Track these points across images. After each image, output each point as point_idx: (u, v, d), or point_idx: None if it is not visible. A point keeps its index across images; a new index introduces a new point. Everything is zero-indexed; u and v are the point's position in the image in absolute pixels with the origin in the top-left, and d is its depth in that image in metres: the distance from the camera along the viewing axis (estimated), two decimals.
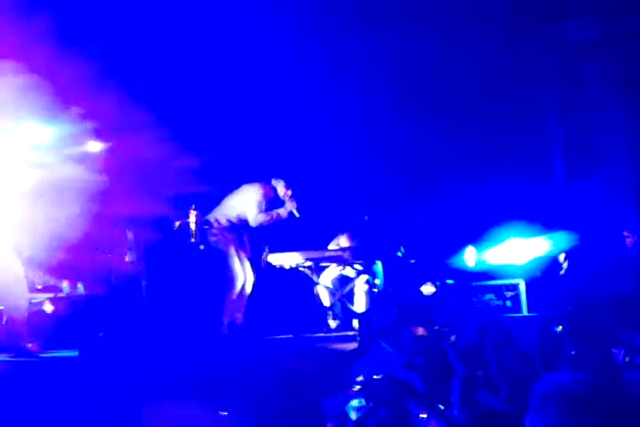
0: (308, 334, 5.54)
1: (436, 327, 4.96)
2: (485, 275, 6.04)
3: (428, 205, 7.09)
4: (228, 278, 5.41)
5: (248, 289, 5.53)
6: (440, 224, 6.96)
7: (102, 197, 6.97)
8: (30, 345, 4.97)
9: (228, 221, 5.44)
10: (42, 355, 4.80)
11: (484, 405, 2.85)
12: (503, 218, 6.16)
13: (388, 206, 6.91)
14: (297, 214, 5.47)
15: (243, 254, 5.53)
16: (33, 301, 6.02)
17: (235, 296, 5.41)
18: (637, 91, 6.16)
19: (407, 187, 7.29)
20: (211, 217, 5.47)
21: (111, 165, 6.98)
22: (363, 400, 2.76)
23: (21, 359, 4.37)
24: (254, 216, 5.40)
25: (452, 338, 3.29)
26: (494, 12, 6.09)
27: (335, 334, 5.62)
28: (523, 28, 6.19)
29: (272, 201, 5.53)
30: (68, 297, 6.48)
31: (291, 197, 5.49)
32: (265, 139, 6.52)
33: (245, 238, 5.61)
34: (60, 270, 6.56)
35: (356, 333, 4.80)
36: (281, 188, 5.54)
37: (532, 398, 1.48)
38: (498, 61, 6.51)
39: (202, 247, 5.44)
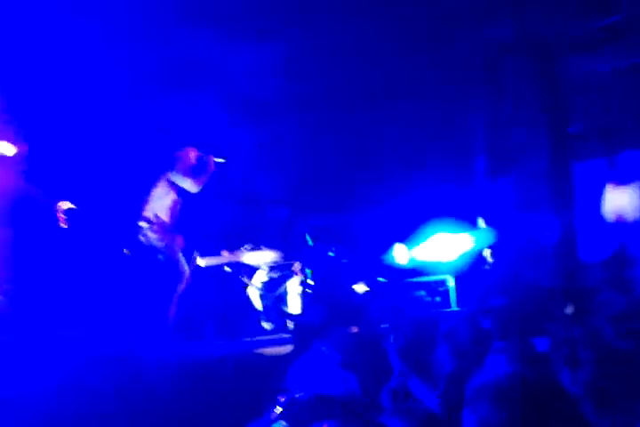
0: (243, 338, 5.48)
1: (372, 326, 5.03)
2: (416, 272, 6.17)
3: (358, 204, 7.17)
4: (179, 274, 5.18)
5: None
6: (371, 223, 7.06)
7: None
8: None
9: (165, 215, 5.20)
10: None
11: (419, 408, 2.89)
12: (430, 216, 6.30)
13: (317, 206, 6.94)
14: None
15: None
16: None
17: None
18: (556, 90, 6.43)
19: (336, 186, 7.34)
20: (148, 213, 5.17)
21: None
22: (284, 423, 2.71)
23: None
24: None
25: (392, 338, 3.32)
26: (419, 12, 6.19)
27: (269, 336, 5.59)
28: (448, 28, 6.32)
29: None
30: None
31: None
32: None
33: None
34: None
35: (290, 334, 4.78)
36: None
37: (466, 392, 1.51)
38: (424, 60, 6.63)
39: (127, 252, 5.22)
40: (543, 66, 6.37)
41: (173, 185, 5.14)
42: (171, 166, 5.17)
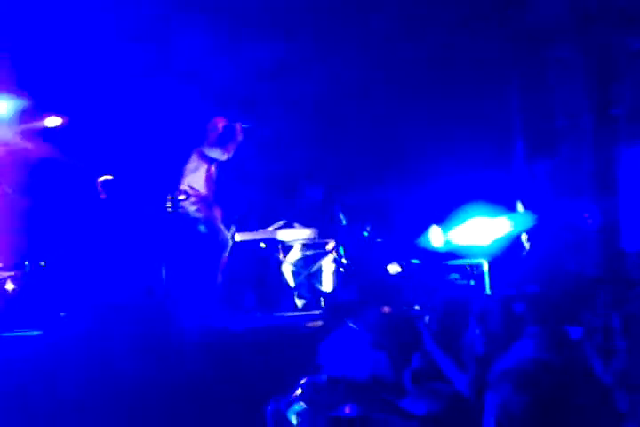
0: (276, 313, 5.57)
1: (404, 307, 5.04)
2: (450, 254, 6.13)
3: (394, 185, 7.14)
4: (222, 242, 5.32)
5: None
6: (407, 204, 7.02)
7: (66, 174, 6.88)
8: None
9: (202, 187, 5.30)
10: (2, 334, 4.73)
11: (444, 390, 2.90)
12: (467, 198, 6.23)
13: (353, 186, 6.93)
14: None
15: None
16: None
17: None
18: (600, 71, 6.24)
19: (373, 166, 7.31)
20: (184, 186, 5.24)
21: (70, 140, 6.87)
22: (303, 404, 2.73)
23: None
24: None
25: (426, 319, 3.31)
26: None
27: (302, 313, 5.66)
28: (485, 11, 6.20)
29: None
30: (29, 275, 6.39)
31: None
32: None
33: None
34: (20, 248, 6.46)
35: (322, 311, 4.83)
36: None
37: (491, 376, 1.52)
38: (459, 43, 6.52)
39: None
40: (586, 46, 6.19)
41: (205, 157, 5.25)
42: (201, 140, 5.26)
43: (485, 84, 6.76)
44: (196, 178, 5.25)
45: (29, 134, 6.73)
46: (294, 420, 2.71)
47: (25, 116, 6.42)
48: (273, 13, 6.09)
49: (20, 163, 6.33)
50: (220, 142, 5.29)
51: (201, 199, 5.23)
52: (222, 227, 5.33)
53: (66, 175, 6.87)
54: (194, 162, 5.24)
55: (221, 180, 5.60)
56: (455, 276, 5.82)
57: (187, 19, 6.14)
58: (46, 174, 6.79)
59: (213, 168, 5.36)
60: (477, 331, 2.92)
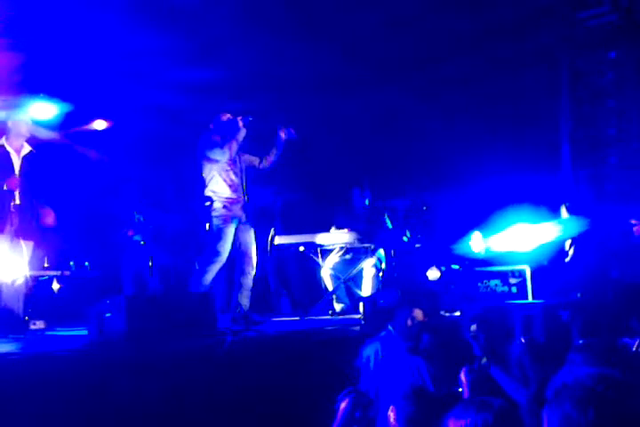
0: (314, 317, 5.55)
1: (443, 312, 4.97)
2: (491, 260, 6.03)
3: (436, 189, 7.07)
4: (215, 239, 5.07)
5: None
6: (448, 208, 6.94)
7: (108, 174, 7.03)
8: (36, 323, 5.01)
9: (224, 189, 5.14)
10: (48, 333, 4.84)
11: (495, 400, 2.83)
12: (509, 203, 6.13)
13: (394, 191, 6.89)
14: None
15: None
16: (40, 279, 6.09)
17: None
18: None
19: (412, 171, 7.27)
20: (207, 193, 5.14)
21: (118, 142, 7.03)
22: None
23: (23, 338, 4.41)
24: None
25: (473, 328, 3.23)
26: None
27: (340, 317, 5.63)
28: (538, 14, 6.09)
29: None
30: (74, 275, 6.54)
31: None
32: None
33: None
34: (67, 249, 6.62)
35: (361, 316, 4.79)
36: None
37: (549, 390, 1.47)
38: (516, 47, 6.43)
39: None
40: (638, 52, 6.03)
41: (211, 160, 5.10)
42: (203, 145, 5.13)
43: (534, 88, 6.65)
44: (215, 183, 5.12)
45: (76, 137, 6.92)
46: None
47: (71, 119, 6.60)
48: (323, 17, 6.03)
49: (66, 164, 6.49)
50: (220, 142, 5.08)
51: (230, 202, 5.13)
52: (229, 224, 5.09)
53: (108, 177, 7.01)
54: (206, 169, 5.14)
55: (259, 183, 5.57)
56: (496, 282, 5.71)
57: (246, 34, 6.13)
58: (91, 176, 6.95)
59: (229, 169, 5.15)
60: (520, 340, 2.85)
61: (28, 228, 4.74)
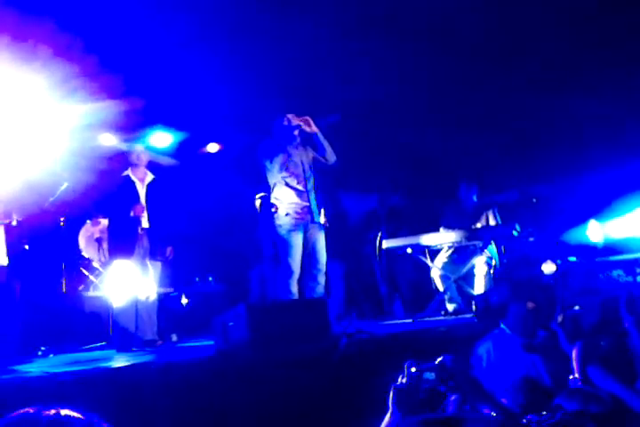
0: (427, 318, 5.58)
1: (574, 307, 4.79)
2: (611, 249, 5.77)
3: (549, 180, 6.86)
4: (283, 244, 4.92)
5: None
6: (561, 200, 6.71)
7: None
8: (170, 336, 5.45)
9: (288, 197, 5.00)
10: (180, 345, 5.26)
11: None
12: (625, 190, 5.82)
13: (502, 184, 6.76)
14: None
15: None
16: (170, 295, 6.61)
17: None
18: None
19: (524, 161, 7.08)
20: (273, 200, 5.00)
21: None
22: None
23: (157, 349, 4.81)
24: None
25: (560, 318, 3.17)
26: None
27: (453, 316, 5.62)
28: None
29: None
30: (200, 291, 7.00)
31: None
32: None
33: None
34: (191, 264, 7.12)
35: (474, 315, 4.77)
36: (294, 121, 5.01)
37: None
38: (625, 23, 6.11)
39: None
40: None
41: (273, 168, 5.01)
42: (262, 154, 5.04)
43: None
44: (279, 190, 5.01)
45: (192, 162, 7.44)
46: None
47: (185, 145, 7.12)
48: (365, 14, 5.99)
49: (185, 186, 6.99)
50: (276, 148, 4.97)
51: (302, 209, 5.00)
52: (295, 231, 4.93)
53: (222, 195, 7.43)
54: (270, 176, 5.06)
55: (363, 188, 5.62)
56: (619, 272, 5.45)
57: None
58: (207, 196, 7.42)
59: (289, 175, 4.99)
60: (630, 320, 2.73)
61: (155, 249, 5.19)
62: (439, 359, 2.47)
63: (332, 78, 6.52)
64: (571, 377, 2.92)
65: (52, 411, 1.17)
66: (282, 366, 3.59)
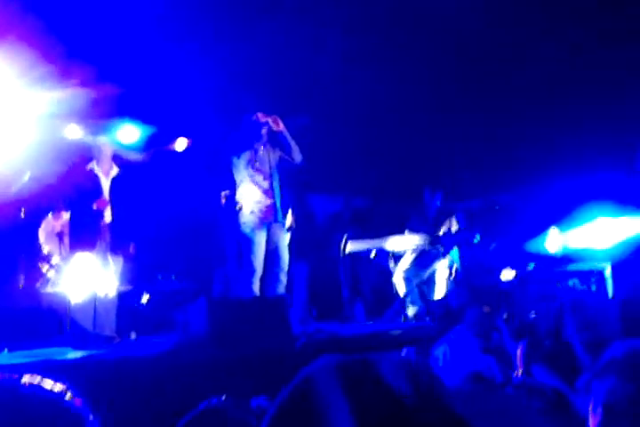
0: (387, 321, 5.62)
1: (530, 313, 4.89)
2: (569, 259, 5.90)
3: (508, 188, 6.98)
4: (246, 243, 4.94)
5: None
6: (522, 208, 6.83)
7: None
8: (129, 334, 5.38)
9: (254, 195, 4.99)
10: (138, 342, 5.19)
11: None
12: (585, 199, 5.97)
13: (462, 190, 6.86)
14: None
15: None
16: (132, 292, 6.51)
17: None
18: None
19: (487, 168, 7.20)
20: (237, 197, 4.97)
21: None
22: None
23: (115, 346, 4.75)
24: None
25: (505, 316, 3.27)
26: None
27: (413, 321, 5.67)
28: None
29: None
30: (162, 288, 6.91)
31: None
32: None
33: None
34: (154, 261, 7.03)
35: (433, 318, 4.84)
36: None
37: (598, 363, 1.43)
38: (596, 42, 6.28)
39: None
40: None
41: (239, 165, 5.02)
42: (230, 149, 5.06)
43: (614, 89, 6.47)
44: (245, 187, 5.00)
45: (158, 157, 7.36)
46: None
47: (153, 140, 7.04)
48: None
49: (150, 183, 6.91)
50: (244, 145, 4.99)
51: (267, 207, 5.01)
52: (259, 230, 4.94)
53: (189, 192, 7.37)
54: (236, 172, 5.03)
55: (329, 190, 5.65)
56: (575, 281, 5.59)
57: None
58: (173, 192, 7.34)
59: (259, 176, 5.01)
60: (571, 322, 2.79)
61: (117, 245, 5.13)
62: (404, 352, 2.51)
63: (302, 79, 6.57)
64: (515, 373, 3.01)
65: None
66: (240, 361, 3.60)
